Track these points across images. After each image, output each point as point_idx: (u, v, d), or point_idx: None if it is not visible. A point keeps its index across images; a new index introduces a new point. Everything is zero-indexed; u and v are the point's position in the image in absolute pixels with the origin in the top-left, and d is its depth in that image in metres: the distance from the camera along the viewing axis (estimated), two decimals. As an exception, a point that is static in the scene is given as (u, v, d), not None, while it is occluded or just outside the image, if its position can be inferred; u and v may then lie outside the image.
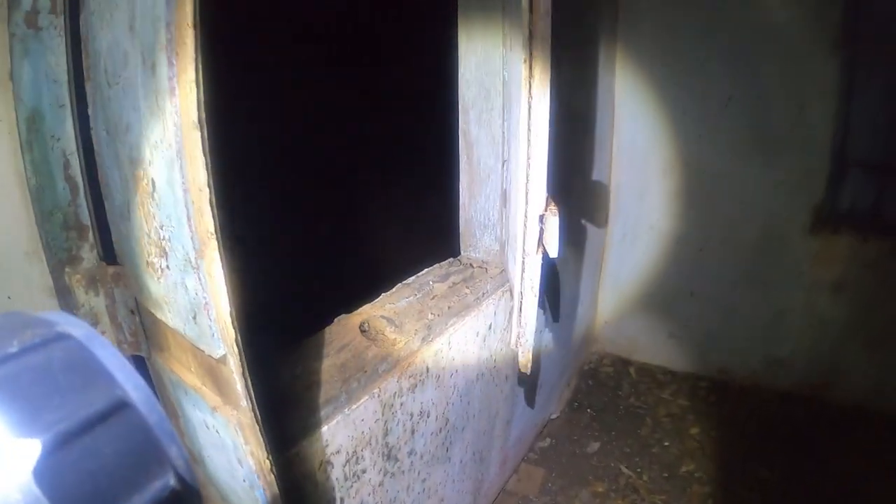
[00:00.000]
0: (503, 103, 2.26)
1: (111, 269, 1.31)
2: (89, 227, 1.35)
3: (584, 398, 3.86)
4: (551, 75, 1.82)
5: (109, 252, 1.36)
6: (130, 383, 0.47)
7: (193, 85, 0.85)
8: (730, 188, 3.77)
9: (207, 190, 0.88)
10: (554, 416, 3.64)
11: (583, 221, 3.43)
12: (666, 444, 3.48)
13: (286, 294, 2.96)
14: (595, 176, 3.64)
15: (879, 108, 3.46)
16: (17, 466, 0.39)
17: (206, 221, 0.90)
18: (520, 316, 2.10)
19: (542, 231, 1.90)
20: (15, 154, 1.29)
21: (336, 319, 2.01)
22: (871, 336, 3.66)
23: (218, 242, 0.91)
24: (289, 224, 3.65)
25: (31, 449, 0.40)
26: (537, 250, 1.90)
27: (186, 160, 0.86)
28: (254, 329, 1.23)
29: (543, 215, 1.89)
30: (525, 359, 2.19)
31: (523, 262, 1.94)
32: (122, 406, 0.45)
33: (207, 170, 0.88)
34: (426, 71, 3.40)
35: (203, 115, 0.86)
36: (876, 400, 3.69)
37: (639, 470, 3.28)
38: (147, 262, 1.08)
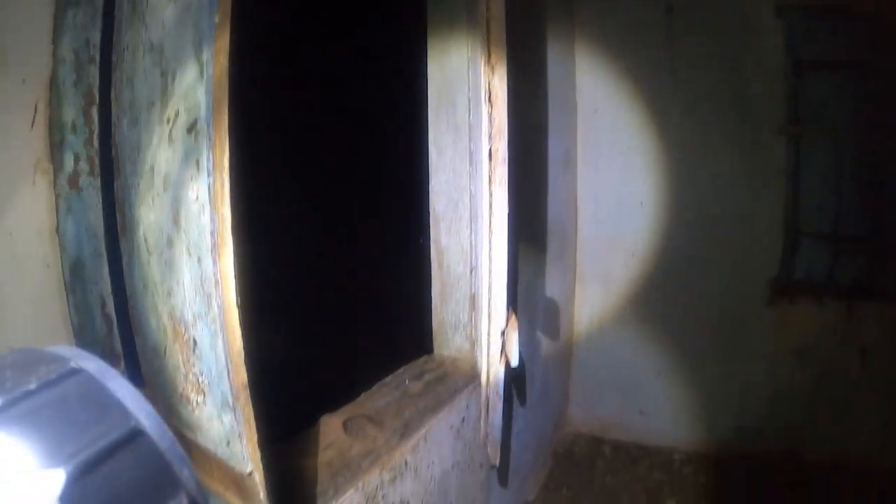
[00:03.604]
0: (470, 215, 2.68)
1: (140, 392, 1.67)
2: (121, 356, 1.73)
3: (559, 479, 4.19)
4: (510, 209, 2.25)
5: (137, 376, 1.73)
6: (142, 412, 0.52)
7: (233, 277, 1.24)
8: (690, 268, 4.23)
9: (243, 352, 1.27)
10: (531, 499, 3.96)
11: (551, 310, 3.83)
12: (643, 519, 3.81)
13: (270, 391, 3.29)
14: (560, 269, 4.07)
15: (824, 182, 3.97)
16: (44, 495, 0.43)
17: (242, 375, 1.28)
18: (486, 417, 2.48)
19: (503, 343, 2.30)
20: (60, 296, 1.67)
21: (321, 419, 2.36)
22: (836, 396, 4.07)
23: (249, 391, 1.30)
24: (269, 320, 3.97)
25: (56, 478, 0.43)
26: (500, 360, 2.30)
27: (228, 333, 1.25)
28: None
29: (505, 330, 2.30)
30: (494, 453, 2.56)
31: (488, 371, 2.33)
32: (136, 434, 0.51)
33: (242, 338, 1.27)
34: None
35: (239, 298, 1.26)
36: (846, 457, 4.04)
37: (616, 548, 3.59)
38: (182, 394, 1.45)
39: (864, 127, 3.89)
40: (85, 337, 1.71)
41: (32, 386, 0.50)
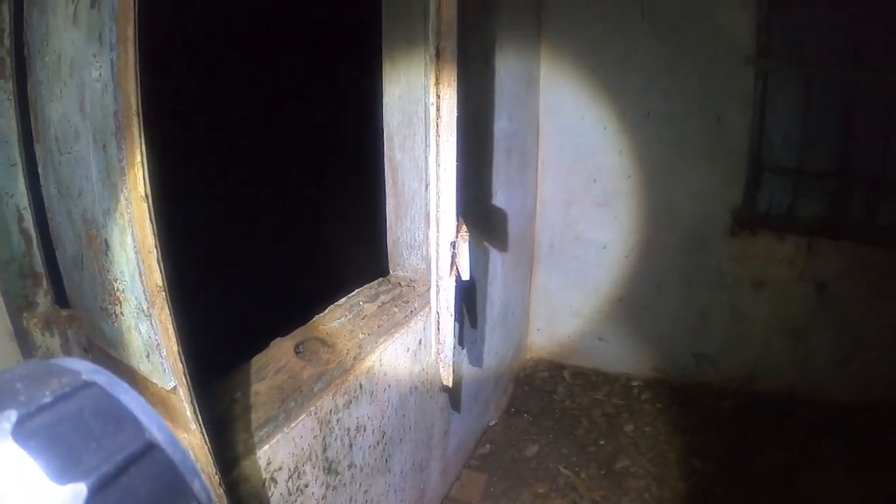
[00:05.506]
0: (426, 129, 2.50)
1: (64, 312, 1.51)
2: (43, 275, 1.55)
3: (520, 404, 4.14)
4: (459, 112, 2.08)
5: (62, 296, 1.56)
6: (155, 425, 0.53)
7: (140, 165, 1.07)
8: (652, 196, 4.13)
9: (155, 251, 1.10)
10: (492, 423, 3.91)
11: (509, 235, 3.70)
12: (602, 442, 3.78)
13: (221, 318, 3.15)
14: (520, 190, 3.93)
15: (791, 116, 3.87)
16: None
17: (156, 277, 1.12)
18: (437, 334, 2.35)
19: (454, 255, 2.16)
20: (-30, 212, 1.48)
21: (272, 343, 2.22)
22: (793, 328, 4.07)
23: (166, 293, 1.14)
24: (222, 247, 3.83)
25: (78, 493, 0.45)
26: (451, 273, 2.16)
27: (137, 227, 1.08)
28: (195, 357, 1.44)
29: (455, 241, 2.16)
30: (446, 373, 2.45)
31: (437, 285, 2.19)
32: (150, 447, 0.52)
33: (154, 234, 1.10)
34: (355, 96, 3.62)
35: (149, 189, 1.09)
36: (801, 389, 4.11)
37: (577, 469, 3.56)
38: (101, 307, 1.29)
39: (835, 62, 3.76)
40: (2, 255, 1.52)
41: (47, 399, 0.50)
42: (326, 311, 2.43)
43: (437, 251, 2.19)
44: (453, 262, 2.20)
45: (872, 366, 3.97)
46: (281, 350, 2.17)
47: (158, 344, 1.16)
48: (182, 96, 3.68)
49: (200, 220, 3.57)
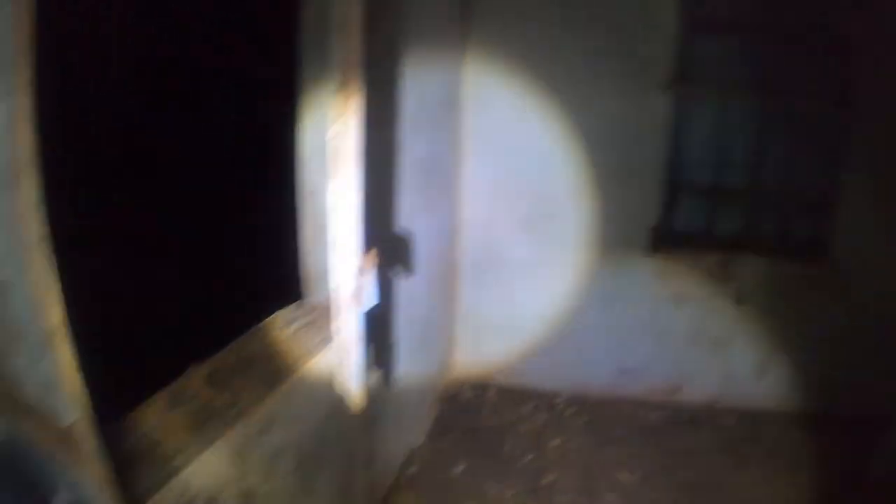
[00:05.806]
0: (333, 158, 2.57)
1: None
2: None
3: (446, 423, 4.23)
4: (372, 136, 2.17)
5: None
6: (64, 487, 0.57)
7: (36, 209, 1.13)
8: (573, 216, 4.30)
9: (53, 290, 1.16)
10: (418, 444, 3.97)
11: (429, 257, 3.79)
12: (528, 458, 3.89)
13: (133, 348, 3.15)
14: (440, 212, 4.04)
15: (705, 138, 4.15)
16: None
17: (54, 315, 1.18)
18: (347, 359, 2.43)
19: (361, 282, 2.26)
20: None
21: (186, 372, 2.25)
22: (712, 339, 4.30)
23: (65, 330, 1.19)
24: (141, 267, 3.82)
25: None
26: (357, 300, 2.26)
27: (34, 269, 1.14)
28: (104, 385, 1.47)
29: (362, 268, 2.25)
30: (353, 400, 2.53)
31: (344, 312, 2.28)
32: None
33: (52, 274, 1.16)
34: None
35: (45, 232, 1.15)
36: (723, 398, 4.35)
37: (504, 486, 3.64)
38: (2, 348, 1.33)
39: (748, 85, 4.08)
40: None
41: None
42: (242, 337, 2.47)
43: (341, 279, 2.27)
44: (361, 289, 2.28)
45: (790, 374, 4.26)
46: (195, 379, 2.21)
47: (58, 381, 1.21)
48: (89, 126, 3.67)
49: (113, 247, 3.57)
